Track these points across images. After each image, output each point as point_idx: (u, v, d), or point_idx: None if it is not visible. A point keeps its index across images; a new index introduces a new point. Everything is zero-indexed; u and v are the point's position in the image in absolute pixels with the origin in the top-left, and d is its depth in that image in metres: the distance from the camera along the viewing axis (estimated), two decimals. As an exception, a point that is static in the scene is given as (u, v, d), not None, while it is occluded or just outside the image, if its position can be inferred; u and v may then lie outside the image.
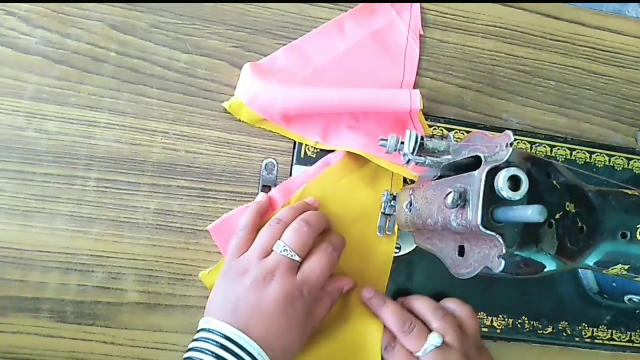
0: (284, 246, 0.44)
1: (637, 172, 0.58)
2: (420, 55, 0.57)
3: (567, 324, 0.55)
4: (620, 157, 0.58)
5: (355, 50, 0.55)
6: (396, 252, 0.53)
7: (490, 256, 0.32)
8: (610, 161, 0.58)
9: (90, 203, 0.49)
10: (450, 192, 0.32)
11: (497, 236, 0.30)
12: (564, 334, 0.55)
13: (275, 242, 0.44)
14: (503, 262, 0.30)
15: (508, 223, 0.31)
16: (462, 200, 0.32)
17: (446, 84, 0.57)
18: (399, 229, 0.52)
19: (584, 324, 0.55)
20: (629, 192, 0.40)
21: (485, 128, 0.56)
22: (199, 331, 0.41)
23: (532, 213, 0.27)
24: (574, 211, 0.33)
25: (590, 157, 0.58)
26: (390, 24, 0.57)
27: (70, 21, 0.52)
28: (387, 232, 0.52)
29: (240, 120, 0.52)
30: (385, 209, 0.51)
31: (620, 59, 0.61)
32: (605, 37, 0.61)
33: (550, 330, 0.55)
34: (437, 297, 0.50)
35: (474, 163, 0.37)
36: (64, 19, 0.52)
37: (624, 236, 0.36)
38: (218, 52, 0.54)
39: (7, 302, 0.47)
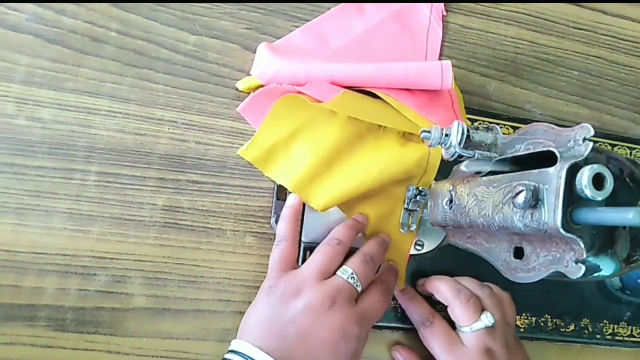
0: (352, 273, 0.40)
1: (657, 166, 0.57)
2: (442, 41, 0.53)
3: (588, 321, 0.54)
4: (640, 150, 0.57)
5: (375, 31, 0.52)
6: (418, 250, 0.50)
7: (564, 260, 0.29)
8: (631, 154, 0.57)
9: (91, 199, 0.45)
10: (522, 191, 0.29)
11: (578, 239, 0.28)
12: (586, 332, 0.53)
13: (336, 265, 0.41)
14: (583, 268, 0.28)
15: (587, 225, 0.28)
16: (534, 200, 0.29)
17: (469, 72, 0.54)
18: (419, 225, 0.49)
19: (604, 321, 0.54)
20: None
21: (509, 119, 0.54)
22: (229, 352, 0.37)
23: (634, 216, 0.24)
24: (644, 210, 0.31)
25: (612, 150, 0.56)
26: (411, 3, 0.53)
27: (65, -4, 0.47)
28: (410, 230, 0.49)
29: (254, 109, 0.48)
30: (408, 204, 0.49)
31: (641, 49, 0.59)
32: (626, 25, 0.59)
33: (572, 327, 0.53)
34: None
35: (528, 158, 0.34)
36: (57, -7, 0.47)
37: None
38: (230, 33, 0.49)
39: (-1, 309, 0.42)
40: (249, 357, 0.36)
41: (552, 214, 0.28)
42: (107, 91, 0.46)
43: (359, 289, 0.40)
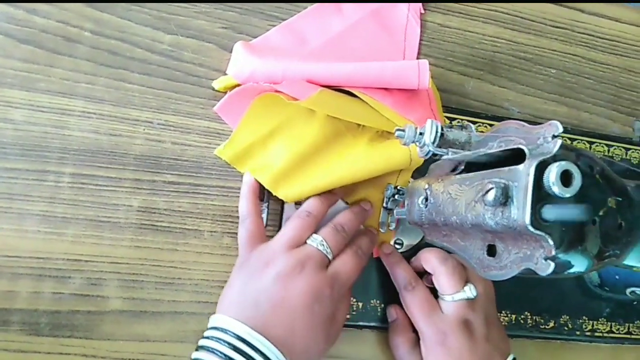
0: (322, 241, 0.41)
1: (635, 163, 0.57)
2: (420, 39, 0.53)
3: (567, 317, 0.54)
4: (618, 147, 0.57)
5: (353, 30, 0.52)
6: (398, 248, 0.50)
7: (534, 257, 0.29)
8: (609, 151, 0.57)
9: (65, 201, 0.44)
10: (492, 188, 0.29)
11: (546, 236, 0.28)
12: (565, 328, 0.54)
13: (306, 235, 0.41)
14: (552, 265, 0.28)
15: (555, 222, 0.28)
16: (504, 197, 0.29)
17: (447, 71, 0.54)
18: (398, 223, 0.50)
19: (584, 317, 0.55)
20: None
21: (487, 117, 0.54)
22: (209, 329, 0.38)
23: (581, 212, 0.25)
24: (614, 207, 0.31)
25: (590, 147, 0.56)
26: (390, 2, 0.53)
27: (37, -5, 0.46)
28: (389, 228, 0.49)
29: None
30: (387, 203, 0.49)
31: (617, 47, 0.59)
32: (603, 24, 0.59)
33: (551, 324, 0.53)
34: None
35: (501, 156, 0.34)
36: (28, -8, 0.46)
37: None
38: (206, 33, 0.49)
39: (-29, 314, 0.42)
40: (226, 329, 0.36)
41: (521, 211, 0.28)
42: (81, 92, 0.46)
43: (330, 256, 0.41)
